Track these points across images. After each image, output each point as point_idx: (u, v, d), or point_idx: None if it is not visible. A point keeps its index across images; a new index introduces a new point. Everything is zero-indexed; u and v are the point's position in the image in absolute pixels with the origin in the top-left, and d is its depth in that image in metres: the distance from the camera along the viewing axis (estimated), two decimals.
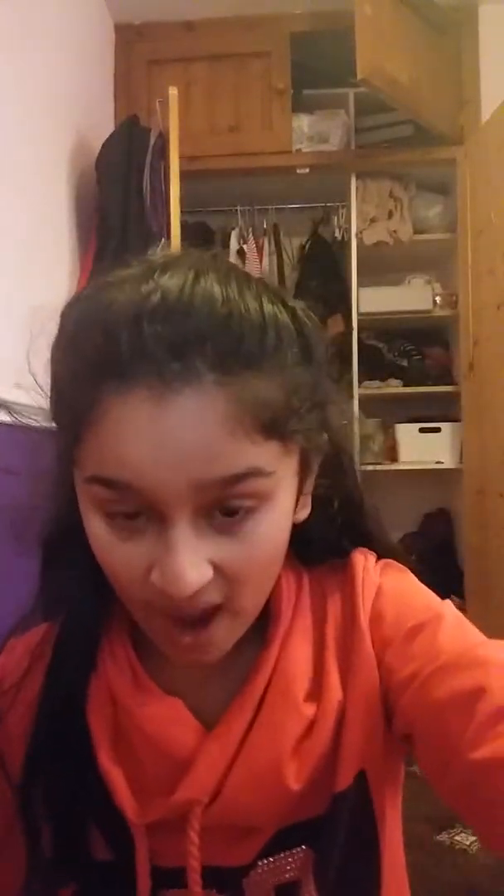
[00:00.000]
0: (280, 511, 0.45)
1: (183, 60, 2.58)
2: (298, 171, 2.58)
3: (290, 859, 0.50)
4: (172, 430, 0.39)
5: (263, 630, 0.51)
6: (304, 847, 0.50)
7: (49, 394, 0.46)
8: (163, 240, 2.04)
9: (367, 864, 0.52)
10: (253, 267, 2.72)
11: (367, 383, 2.74)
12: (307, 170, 2.58)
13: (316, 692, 0.50)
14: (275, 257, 2.83)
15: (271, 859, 0.50)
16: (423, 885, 1.46)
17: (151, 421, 0.39)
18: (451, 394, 2.68)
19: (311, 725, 0.49)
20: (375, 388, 2.76)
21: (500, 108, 2.23)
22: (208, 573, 0.42)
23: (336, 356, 0.50)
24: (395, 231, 2.66)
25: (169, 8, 2.52)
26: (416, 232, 2.69)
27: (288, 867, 0.50)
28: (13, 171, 1.66)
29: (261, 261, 2.75)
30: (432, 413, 2.80)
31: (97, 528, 0.43)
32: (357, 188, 2.66)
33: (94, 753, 0.50)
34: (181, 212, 2.11)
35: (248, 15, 2.53)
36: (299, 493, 0.49)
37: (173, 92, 2.06)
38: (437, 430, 2.72)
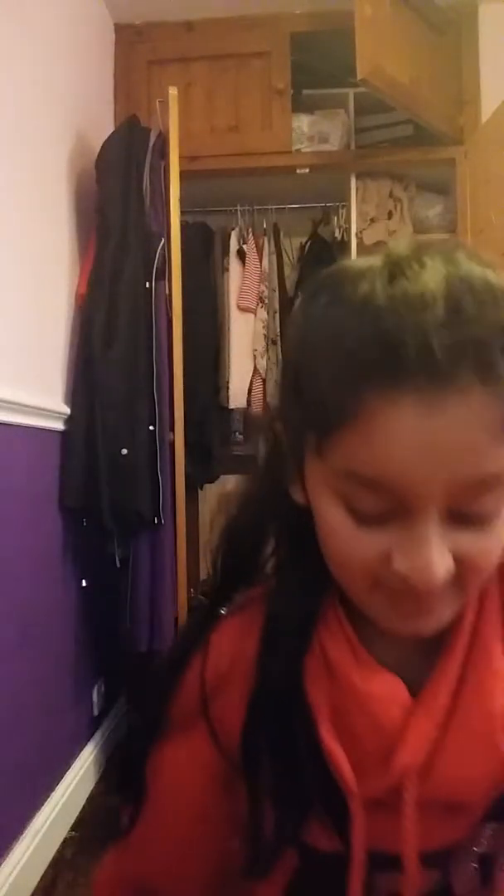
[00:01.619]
0: None
1: (183, 60, 2.58)
2: (298, 171, 2.57)
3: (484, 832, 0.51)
4: (439, 434, 0.39)
5: None
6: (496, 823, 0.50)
7: (283, 390, 0.49)
8: (162, 240, 2.04)
9: None
10: (253, 267, 2.72)
11: None
12: (307, 170, 2.57)
13: None
14: (275, 257, 2.82)
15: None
16: None
17: (419, 425, 0.39)
18: None
19: None
20: None
21: (500, 108, 2.23)
22: (452, 566, 0.43)
23: None
24: (394, 231, 2.65)
25: (169, 8, 2.52)
26: (416, 232, 2.68)
27: (482, 840, 0.50)
28: (13, 171, 1.66)
29: (261, 261, 2.75)
30: None
31: (335, 516, 0.45)
32: (357, 188, 2.65)
33: (314, 727, 0.50)
34: (181, 212, 2.12)
35: (248, 15, 2.53)
36: None
37: (173, 92, 2.06)
38: None
